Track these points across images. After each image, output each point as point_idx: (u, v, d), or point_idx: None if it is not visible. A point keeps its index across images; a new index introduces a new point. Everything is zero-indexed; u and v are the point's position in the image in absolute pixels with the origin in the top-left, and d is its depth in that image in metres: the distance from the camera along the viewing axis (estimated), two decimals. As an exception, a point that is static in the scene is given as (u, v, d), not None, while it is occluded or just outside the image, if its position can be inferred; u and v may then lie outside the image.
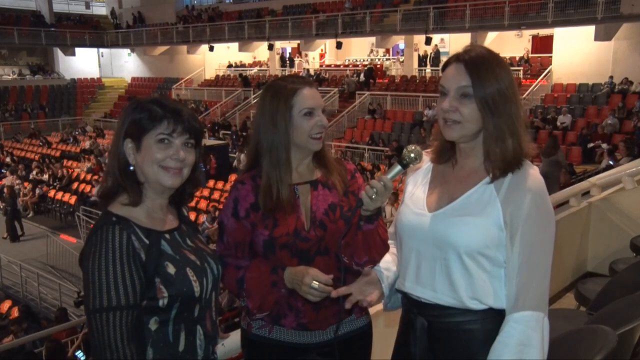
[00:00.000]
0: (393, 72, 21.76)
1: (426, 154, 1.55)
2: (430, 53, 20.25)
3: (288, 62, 24.95)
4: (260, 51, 25.52)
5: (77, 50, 28.51)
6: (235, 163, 15.57)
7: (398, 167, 1.43)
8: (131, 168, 1.38)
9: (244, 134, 17.83)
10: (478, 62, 1.38)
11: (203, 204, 13.31)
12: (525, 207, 1.34)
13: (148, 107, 1.38)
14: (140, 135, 1.36)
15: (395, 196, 9.02)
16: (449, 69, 1.42)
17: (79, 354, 6.44)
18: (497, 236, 1.35)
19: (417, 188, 1.53)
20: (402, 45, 21.77)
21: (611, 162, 10.81)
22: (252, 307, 1.62)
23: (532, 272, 1.34)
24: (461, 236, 1.37)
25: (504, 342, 1.32)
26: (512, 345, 1.30)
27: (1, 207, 14.70)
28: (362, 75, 20.79)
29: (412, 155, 1.41)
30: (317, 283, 1.50)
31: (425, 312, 1.46)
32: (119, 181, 1.37)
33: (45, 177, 16.77)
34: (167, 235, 1.40)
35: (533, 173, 1.38)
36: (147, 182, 1.39)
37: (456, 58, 1.41)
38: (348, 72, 21.87)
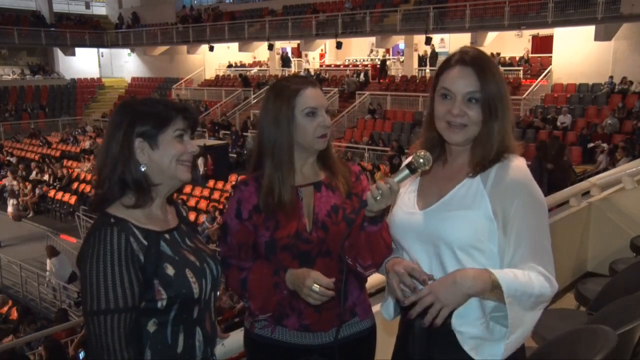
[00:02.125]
0: (393, 72, 21.75)
1: None
2: (426, 52, 20.28)
3: (285, 62, 24.95)
4: (260, 51, 25.50)
5: (77, 50, 28.50)
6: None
7: (406, 171, 1.42)
8: (143, 168, 1.36)
9: (244, 134, 17.83)
10: (483, 65, 1.39)
11: (203, 204, 13.31)
12: (516, 198, 1.36)
13: (154, 105, 1.39)
14: (157, 133, 1.36)
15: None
16: (454, 72, 1.41)
17: (82, 353, 6.43)
18: (488, 228, 1.37)
19: (407, 190, 1.55)
20: (402, 45, 21.76)
21: (609, 158, 10.77)
22: (254, 309, 1.62)
23: (539, 257, 1.36)
24: (452, 230, 1.38)
25: (516, 279, 1.31)
26: (519, 290, 1.31)
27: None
28: (364, 75, 20.80)
29: (421, 160, 1.40)
30: (318, 286, 1.50)
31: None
32: (127, 183, 1.35)
33: (46, 177, 16.77)
34: (166, 236, 1.39)
35: (517, 164, 1.40)
36: (161, 180, 1.38)
37: (461, 61, 1.41)
38: (348, 72, 21.86)
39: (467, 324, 1.37)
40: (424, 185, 1.52)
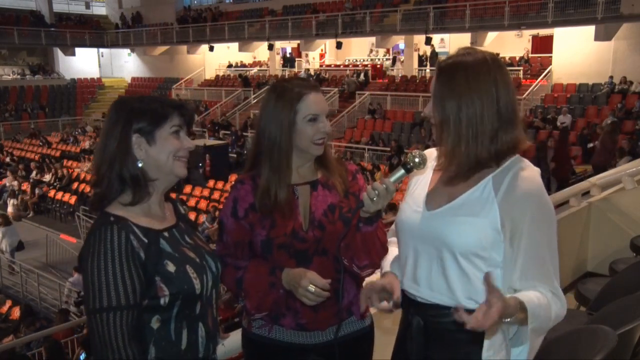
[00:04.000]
0: (393, 72, 21.75)
1: (431, 154, 1.55)
2: (425, 52, 20.31)
3: (288, 63, 24.95)
4: (260, 51, 25.50)
5: (77, 50, 28.49)
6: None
7: (401, 171, 1.41)
8: (140, 164, 1.37)
9: (244, 134, 17.83)
10: (448, 73, 1.40)
11: (203, 204, 13.31)
12: (528, 210, 1.34)
13: (151, 102, 1.40)
14: (154, 129, 1.37)
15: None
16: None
17: (83, 355, 6.43)
18: (493, 237, 1.36)
19: (418, 186, 1.54)
20: (402, 45, 21.76)
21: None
22: (250, 308, 1.62)
23: (544, 274, 1.36)
24: (456, 236, 1.37)
25: (534, 301, 1.31)
26: (538, 314, 1.31)
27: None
28: (364, 75, 20.79)
29: (417, 160, 1.40)
30: (314, 287, 1.50)
31: (421, 311, 1.46)
32: (125, 180, 1.36)
33: (47, 177, 16.77)
34: (165, 234, 1.40)
35: (531, 175, 1.38)
36: (158, 175, 1.39)
37: (437, 63, 1.45)
38: (348, 72, 21.86)
39: (496, 353, 1.37)
40: (435, 184, 1.51)
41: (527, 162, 1.41)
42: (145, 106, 1.39)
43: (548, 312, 1.33)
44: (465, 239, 1.36)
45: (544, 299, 1.33)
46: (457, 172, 1.40)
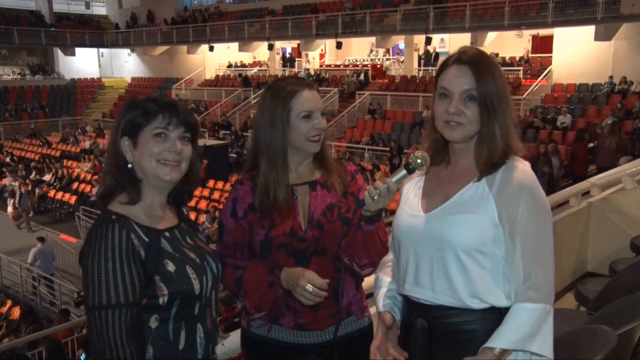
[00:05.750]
0: (393, 72, 21.75)
1: None
2: (424, 53, 20.32)
3: (289, 62, 24.96)
4: (260, 51, 25.50)
5: (77, 50, 28.50)
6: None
7: (403, 172, 1.42)
8: (129, 165, 1.39)
9: (244, 134, 17.84)
10: (480, 64, 1.39)
11: (203, 204, 13.31)
12: (522, 201, 1.35)
13: (142, 104, 1.40)
14: (137, 132, 1.37)
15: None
16: (451, 71, 1.41)
17: (83, 355, 6.43)
18: (493, 232, 1.37)
19: (410, 191, 1.54)
20: (402, 45, 21.76)
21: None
22: (249, 307, 1.63)
23: (539, 264, 1.35)
24: (457, 234, 1.38)
25: (517, 330, 1.32)
26: (526, 335, 1.31)
27: None
28: (364, 75, 20.78)
29: (419, 160, 1.40)
30: (312, 286, 1.50)
31: (425, 313, 1.46)
32: (117, 180, 1.38)
33: (47, 177, 16.77)
34: (166, 233, 1.40)
35: (523, 168, 1.40)
36: (146, 178, 1.40)
37: (457, 60, 1.41)
38: (348, 72, 21.86)
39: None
40: (428, 186, 1.51)
41: (518, 158, 1.42)
42: (134, 108, 1.39)
43: (527, 327, 1.33)
44: (466, 236, 1.37)
45: (516, 321, 1.33)
46: (483, 167, 1.40)
